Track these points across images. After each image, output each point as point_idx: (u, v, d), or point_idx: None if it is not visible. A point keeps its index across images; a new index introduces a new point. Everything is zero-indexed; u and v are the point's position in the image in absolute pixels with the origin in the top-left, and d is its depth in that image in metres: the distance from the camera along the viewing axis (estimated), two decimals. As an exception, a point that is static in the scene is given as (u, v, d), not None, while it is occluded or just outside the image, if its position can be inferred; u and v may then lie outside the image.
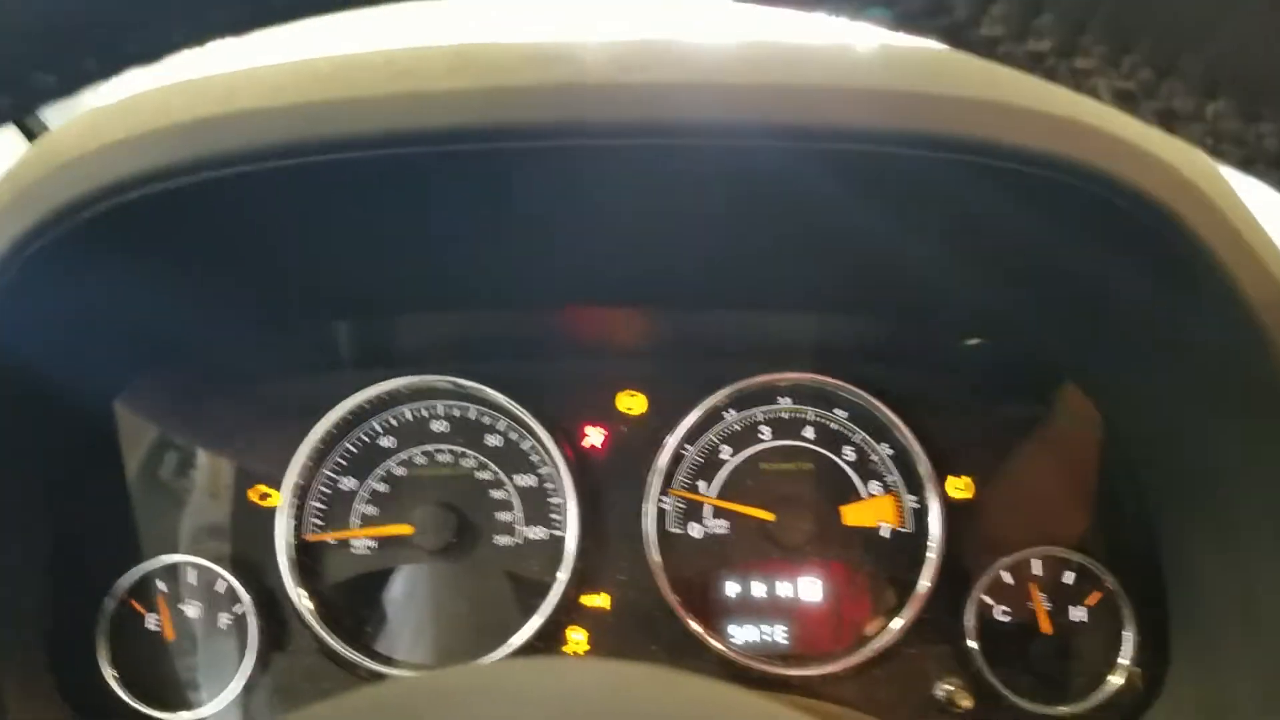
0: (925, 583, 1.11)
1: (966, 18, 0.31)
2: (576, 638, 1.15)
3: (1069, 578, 1.12)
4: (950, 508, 1.14)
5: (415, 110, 0.77)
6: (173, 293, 1.03)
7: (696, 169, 0.86)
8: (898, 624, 1.11)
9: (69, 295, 0.93)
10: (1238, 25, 0.29)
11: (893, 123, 0.77)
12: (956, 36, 0.32)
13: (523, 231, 1.00)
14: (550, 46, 0.80)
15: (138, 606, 1.12)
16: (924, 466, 1.13)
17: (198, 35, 0.34)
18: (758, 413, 1.19)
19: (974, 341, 1.16)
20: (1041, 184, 0.78)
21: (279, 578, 1.12)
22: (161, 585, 1.12)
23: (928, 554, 1.12)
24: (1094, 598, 1.12)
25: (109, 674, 1.10)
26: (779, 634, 1.15)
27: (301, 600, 1.11)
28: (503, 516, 1.17)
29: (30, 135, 1.35)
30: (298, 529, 1.14)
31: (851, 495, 1.16)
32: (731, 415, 1.19)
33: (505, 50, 0.81)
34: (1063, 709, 1.09)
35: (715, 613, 1.15)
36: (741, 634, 1.15)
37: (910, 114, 0.78)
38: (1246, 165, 0.33)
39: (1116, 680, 1.09)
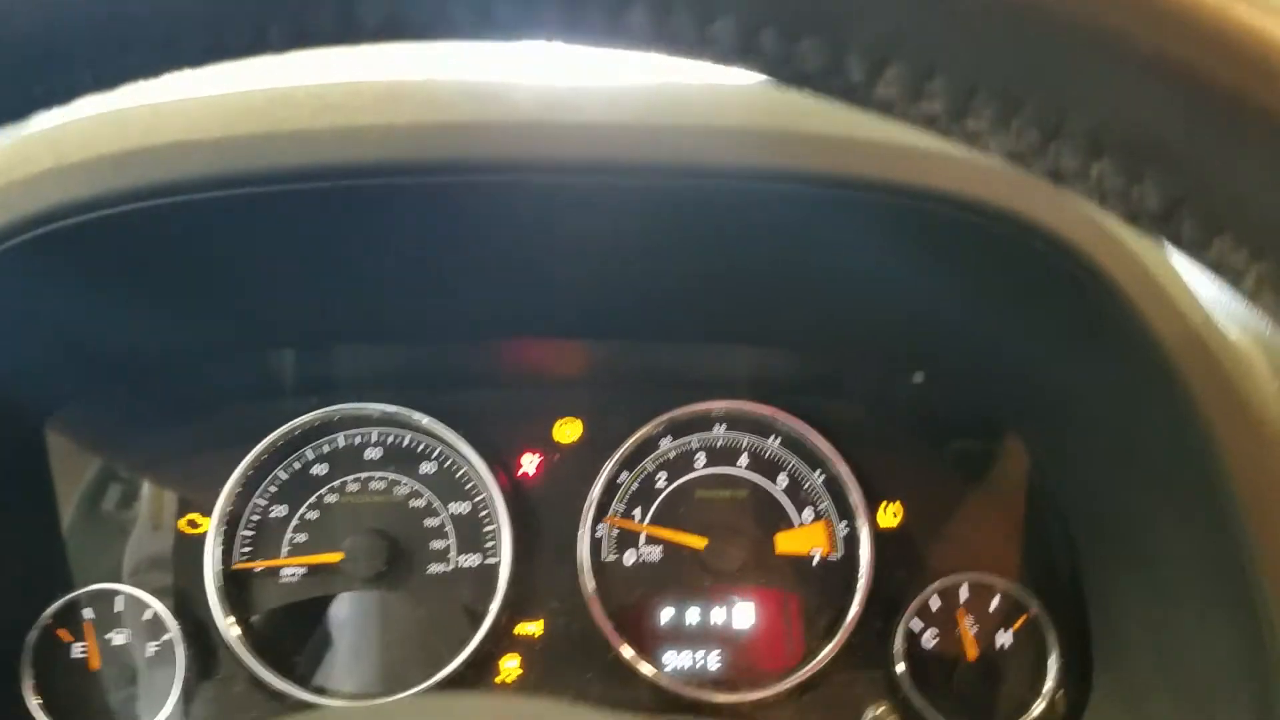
0: (855, 608, 1.13)
1: (861, 80, 0.32)
2: (510, 666, 1.15)
3: (995, 604, 1.14)
4: (880, 535, 1.15)
5: (342, 145, 0.77)
6: (103, 320, 1.02)
7: (622, 206, 0.86)
8: (827, 650, 1.12)
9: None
10: (1119, 91, 0.30)
11: (804, 165, 0.79)
12: (853, 96, 0.33)
13: (456, 265, 1.00)
14: (478, 85, 0.81)
15: (64, 635, 1.10)
16: (855, 494, 1.15)
17: (153, 66, 0.34)
18: (693, 440, 1.20)
19: (919, 379, 1.18)
20: (949, 225, 0.80)
21: (206, 606, 1.11)
22: (89, 613, 1.10)
23: (858, 580, 1.13)
24: (1018, 624, 1.14)
25: (33, 703, 1.08)
26: (712, 660, 1.15)
27: (229, 629, 1.10)
28: (436, 544, 1.16)
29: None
30: (226, 556, 1.13)
31: (784, 522, 1.17)
32: (667, 443, 1.20)
33: (435, 87, 0.82)
34: (988, 733, 1.11)
35: (649, 639, 1.16)
36: (675, 660, 1.15)
37: (819, 155, 0.79)
38: (1132, 220, 0.34)
39: (1041, 705, 1.11)
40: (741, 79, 0.81)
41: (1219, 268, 0.33)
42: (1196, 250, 0.33)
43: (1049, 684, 1.11)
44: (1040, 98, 0.31)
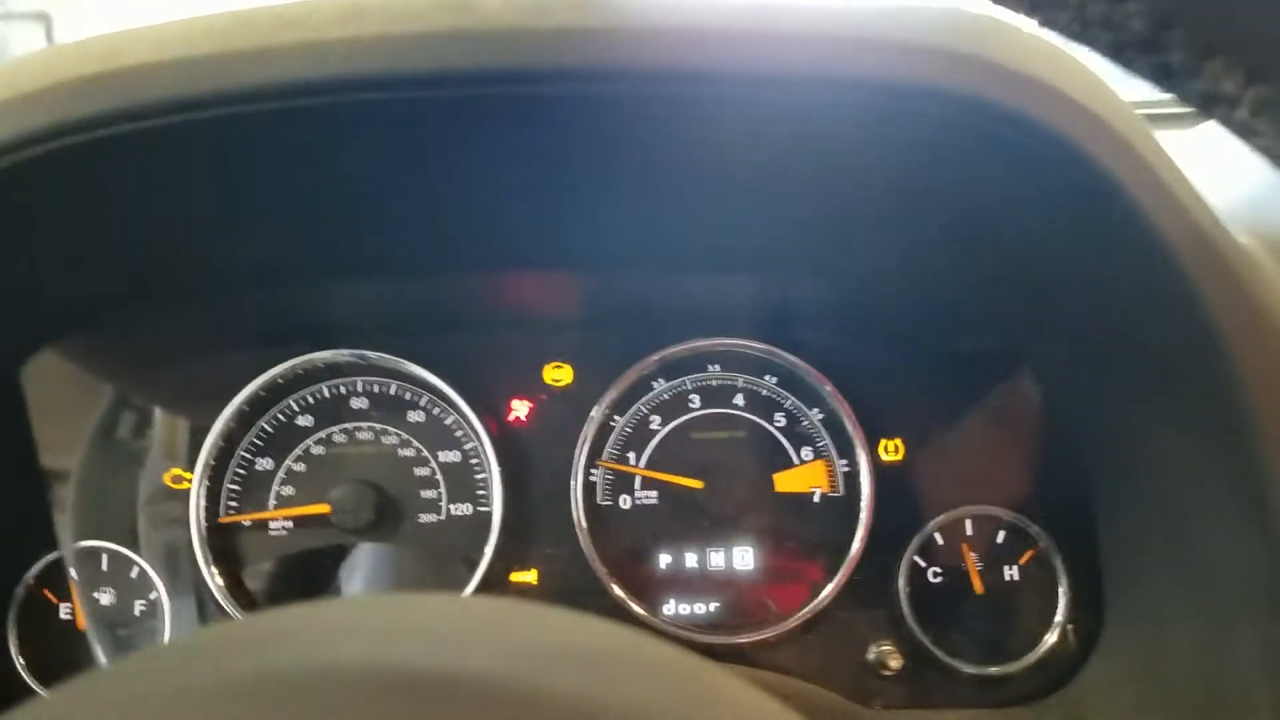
0: (856, 545, 1.10)
1: None
2: (505, 614, 1.12)
3: (1001, 537, 1.12)
4: (881, 470, 1.12)
5: (307, 59, 0.74)
6: (76, 262, 0.99)
7: (616, 122, 0.83)
8: (829, 588, 1.10)
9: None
10: None
11: (825, 69, 0.75)
12: None
13: (437, 193, 0.97)
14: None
15: (49, 595, 1.08)
16: (854, 429, 1.12)
17: None
18: (687, 381, 1.17)
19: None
20: (955, 128, 0.77)
21: (193, 562, 1.08)
22: (74, 573, 1.08)
23: (860, 517, 1.11)
24: (1027, 556, 1.11)
25: (19, 663, 1.07)
26: (712, 603, 1.13)
27: (215, 582, 1.08)
28: (427, 494, 1.14)
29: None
30: (211, 511, 1.10)
31: (783, 462, 1.15)
32: (660, 384, 1.17)
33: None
34: (997, 668, 1.08)
35: (647, 584, 1.13)
36: (674, 604, 1.13)
37: (816, 55, 0.75)
38: (1116, 52, 0.31)
39: (1051, 638, 1.09)
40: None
41: (1210, 99, 0.30)
42: (1185, 80, 0.30)
43: (1059, 616, 1.09)
44: None
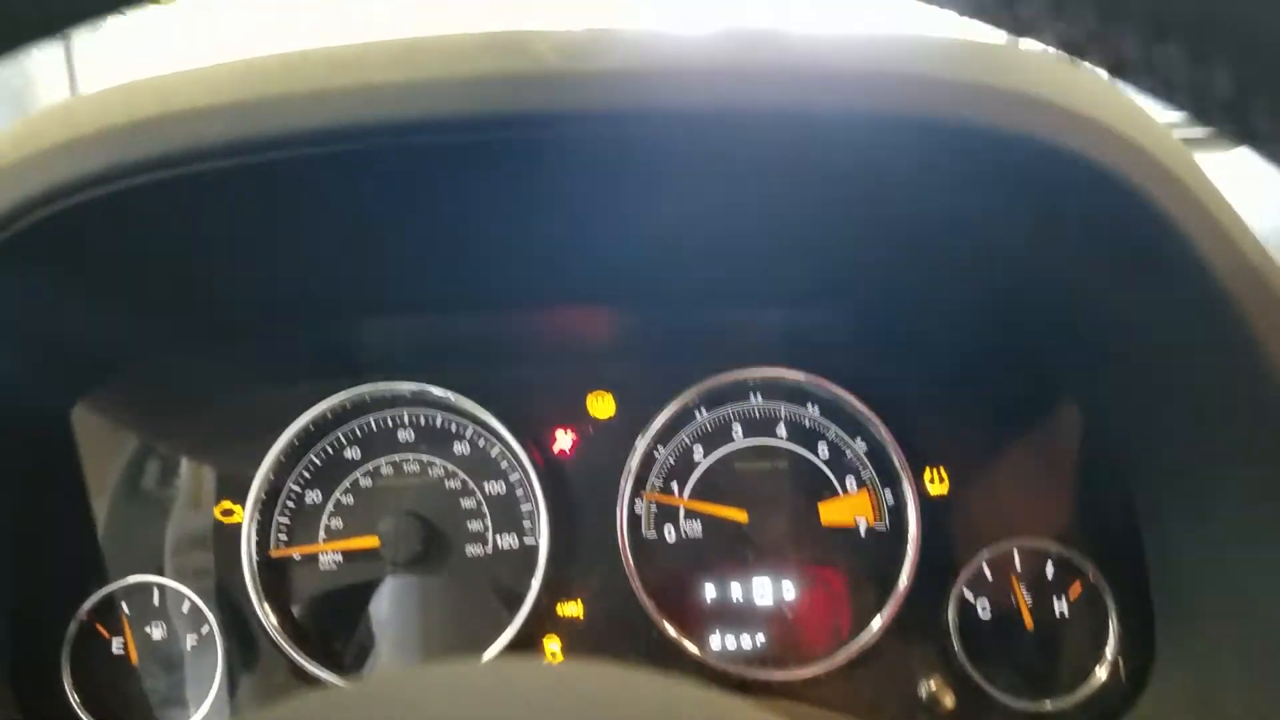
0: (904, 580, 1.09)
1: None
2: (552, 648, 1.12)
3: (1050, 570, 1.11)
4: (926, 502, 1.12)
5: (361, 103, 0.75)
6: (125, 303, 1.00)
7: (659, 162, 0.84)
8: (878, 623, 1.09)
9: (15, 307, 0.90)
10: None
11: (872, 106, 0.75)
12: None
13: (483, 230, 0.98)
14: (501, 36, 0.78)
15: (102, 630, 1.09)
16: (899, 461, 1.12)
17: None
18: (729, 411, 1.17)
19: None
20: (1011, 168, 0.77)
21: (245, 596, 1.09)
22: (126, 607, 1.09)
23: (906, 550, 1.10)
24: (1075, 589, 1.10)
25: (73, 699, 1.07)
26: (758, 636, 1.12)
27: (269, 618, 1.08)
28: (473, 525, 1.14)
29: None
30: (262, 545, 1.11)
31: (828, 492, 1.14)
32: (703, 414, 1.17)
33: (454, 41, 0.79)
34: (1048, 704, 1.07)
35: (693, 617, 1.13)
36: (720, 638, 1.13)
37: (892, 97, 0.76)
38: (1199, 112, 0.31)
39: (1102, 673, 1.07)
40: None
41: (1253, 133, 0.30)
42: (1272, 142, 0.30)
43: (1110, 651, 1.08)
44: None
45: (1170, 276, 0.80)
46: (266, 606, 1.09)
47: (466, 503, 1.15)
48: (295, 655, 1.08)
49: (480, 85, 0.76)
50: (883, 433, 1.12)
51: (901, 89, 0.73)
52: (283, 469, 1.13)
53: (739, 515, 1.13)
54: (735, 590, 1.13)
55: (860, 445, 1.15)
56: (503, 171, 0.85)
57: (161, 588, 1.10)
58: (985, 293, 1.05)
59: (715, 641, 1.12)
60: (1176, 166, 0.76)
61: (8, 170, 0.77)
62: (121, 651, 1.09)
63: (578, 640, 1.12)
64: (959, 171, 0.81)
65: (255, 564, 1.10)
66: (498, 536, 1.14)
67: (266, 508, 1.12)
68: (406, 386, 1.14)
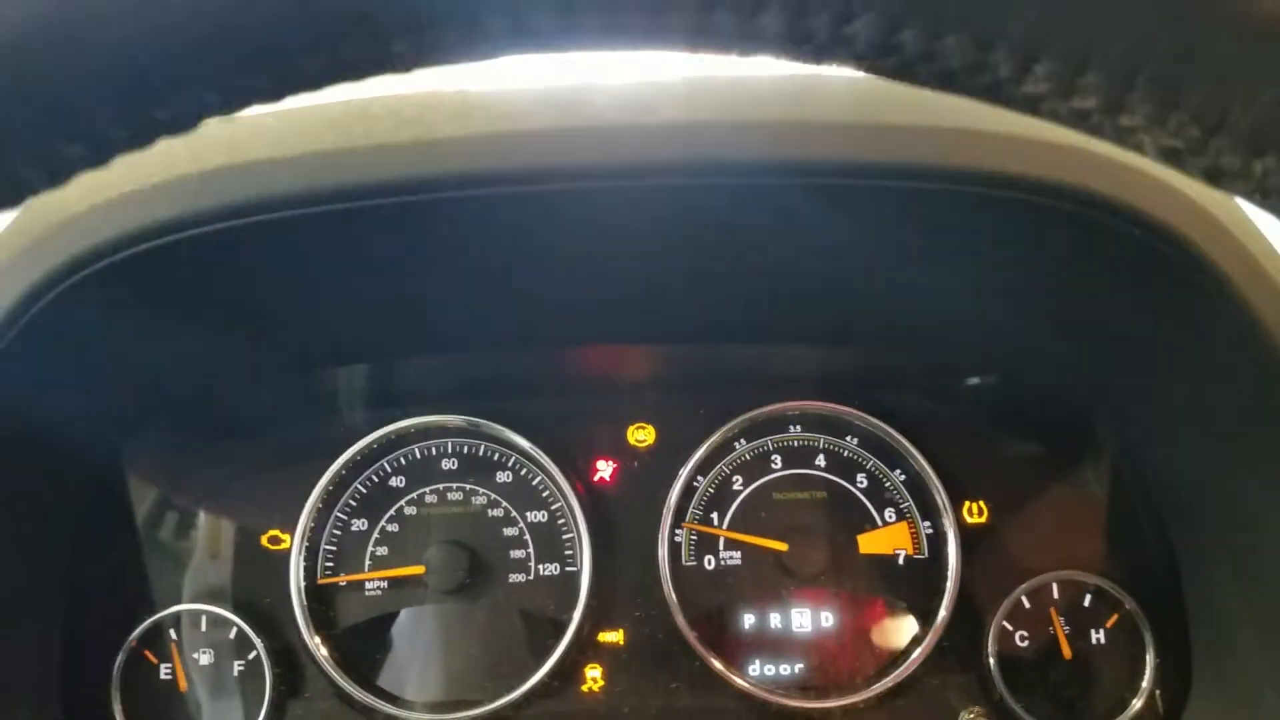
0: (944, 610, 1.10)
1: (1009, 75, 0.30)
2: (593, 675, 1.14)
3: (1087, 601, 1.12)
4: (966, 533, 1.13)
5: (426, 158, 0.76)
6: (180, 342, 1.02)
7: (704, 208, 0.85)
8: (918, 653, 1.10)
9: (75, 348, 0.92)
10: None
11: (912, 158, 0.77)
12: (998, 94, 0.31)
13: (528, 273, 0.99)
14: (557, 91, 0.80)
15: (151, 657, 1.11)
16: (939, 492, 1.13)
17: (229, 103, 0.33)
18: (768, 442, 1.18)
19: (975, 381, 1.16)
20: (1056, 215, 0.78)
21: (293, 623, 1.11)
22: (174, 634, 1.11)
23: (946, 581, 1.11)
24: (1112, 621, 1.11)
25: (123, 725, 1.09)
26: (797, 665, 1.14)
27: (317, 646, 1.10)
28: (516, 554, 1.16)
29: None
30: (310, 572, 1.13)
31: (866, 523, 1.16)
32: (742, 445, 1.18)
33: (510, 96, 0.81)
34: (1087, 734, 1.08)
35: (733, 645, 1.14)
36: (759, 666, 1.14)
37: (928, 149, 0.77)
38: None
39: (1138, 704, 1.08)
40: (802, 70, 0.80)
41: (1216, 173, 0.31)
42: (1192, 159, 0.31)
43: (1146, 682, 1.09)
44: (1202, 91, 0.29)
45: (1217, 325, 0.81)
46: (315, 635, 1.11)
47: (509, 531, 1.16)
48: (341, 681, 1.09)
49: (541, 138, 0.77)
50: (922, 464, 1.14)
51: (957, 143, 0.75)
52: (330, 498, 1.15)
53: (779, 545, 1.14)
54: (774, 619, 1.15)
55: (899, 476, 1.16)
56: (552, 218, 0.87)
57: (209, 615, 1.11)
58: (1028, 336, 1.06)
59: (754, 669, 1.13)
60: (1227, 219, 0.78)
61: (75, 219, 0.79)
62: (169, 677, 1.11)
63: (619, 668, 1.14)
64: (1003, 218, 0.82)
65: (303, 591, 1.11)
66: (540, 565, 1.16)
67: (314, 536, 1.14)
68: (451, 419, 1.16)
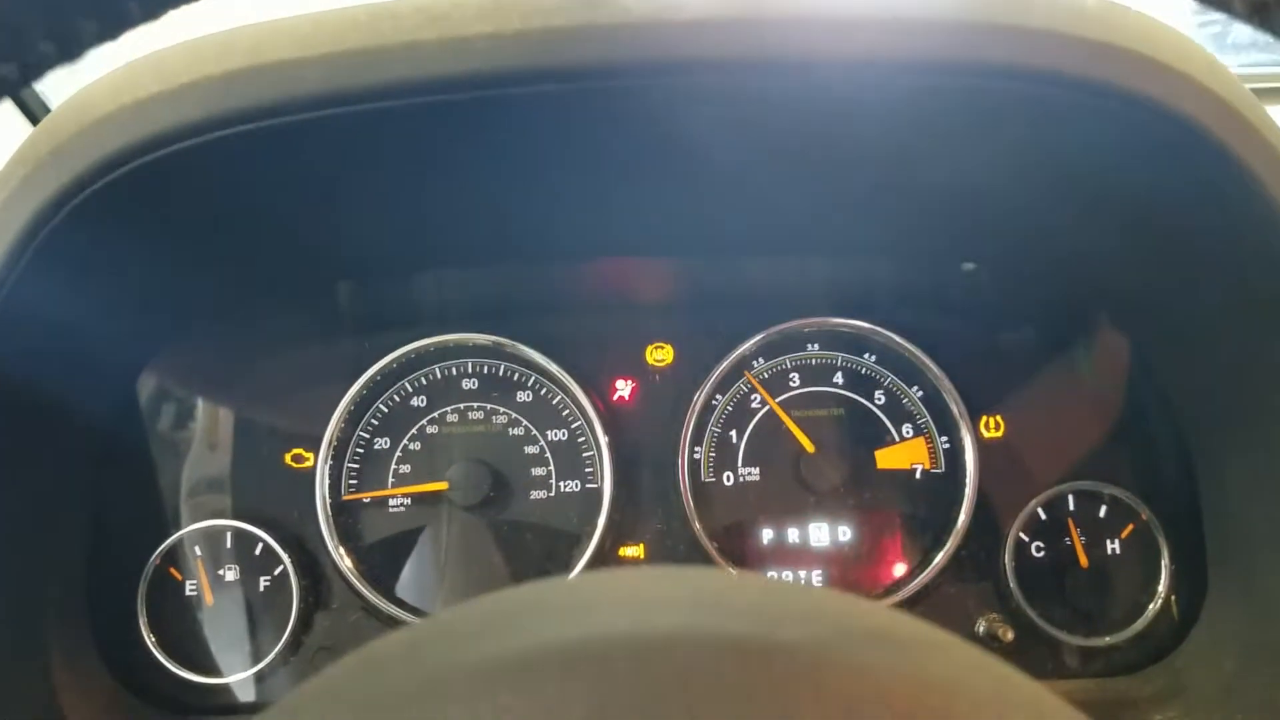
0: (962, 521, 1.12)
1: None
2: (614, 589, 1.15)
3: (1103, 511, 1.13)
4: (983, 446, 1.14)
5: (455, 56, 0.76)
6: (200, 255, 1.02)
7: (735, 111, 0.85)
8: (937, 562, 1.12)
9: (99, 260, 0.92)
10: None
11: (961, 53, 0.77)
12: None
13: (546, 183, 0.99)
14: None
15: (175, 574, 1.12)
16: (957, 406, 1.14)
17: None
18: (786, 360, 1.19)
19: (970, 266, 1.16)
20: (1081, 108, 0.78)
21: (318, 538, 1.12)
22: (198, 550, 1.12)
23: (963, 493, 1.12)
24: (1128, 529, 1.13)
25: (149, 640, 1.10)
26: (816, 577, 1.15)
27: (342, 558, 1.11)
28: (536, 471, 1.17)
29: (33, 118, 1.34)
30: (334, 489, 1.14)
31: (884, 438, 1.17)
32: (760, 363, 1.19)
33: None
34: (1102, 640, 1.10)
35: (751, 559, 1.16)
36: (778, 578, 1.15)
37: (942, 41, 0.77)
38: None
39: (1153, 610, 1.10)
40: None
41: None
42: None
43: (1161, 588, 1.11)
44: None
45: (1238, 220, 0.82)
46: (341, 549, 1.12)
47: (530, 449, 1.17)
48: (368, 594, 1.11)
49: (569, 35, 0.77)
50: (940, 379, 1.15)
51: (991, 38, 0.75)
52: (353, 416, 1.16)
53: (803, 450, 1.16)
54: (792, 533, 1.16)
55: (916, 392, 1.17)
56: (569, 124, 0.87)
57: (234, 531, 1.12)
58: (1040, 238, 1.06)
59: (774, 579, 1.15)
60: (1247, 111, 0.78)
61: (104, 120, 0.79)
62: (195, 593, 1.12)
63: (640, 582, 1.15)
64: (1032, 119, 0.82)
65: (329, 507, 1.13)
66: (561, 482, 1.17)
67: (338, 454, 1.15)
68: (471, 337, 1.16)
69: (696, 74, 0.79)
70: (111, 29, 0.34)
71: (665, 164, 0.95)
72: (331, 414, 1.14)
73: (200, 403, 1.16)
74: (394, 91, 0.77)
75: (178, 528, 1.13)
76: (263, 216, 0.99)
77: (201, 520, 1.13)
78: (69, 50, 0.34)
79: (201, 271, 1.05)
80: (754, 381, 1.18)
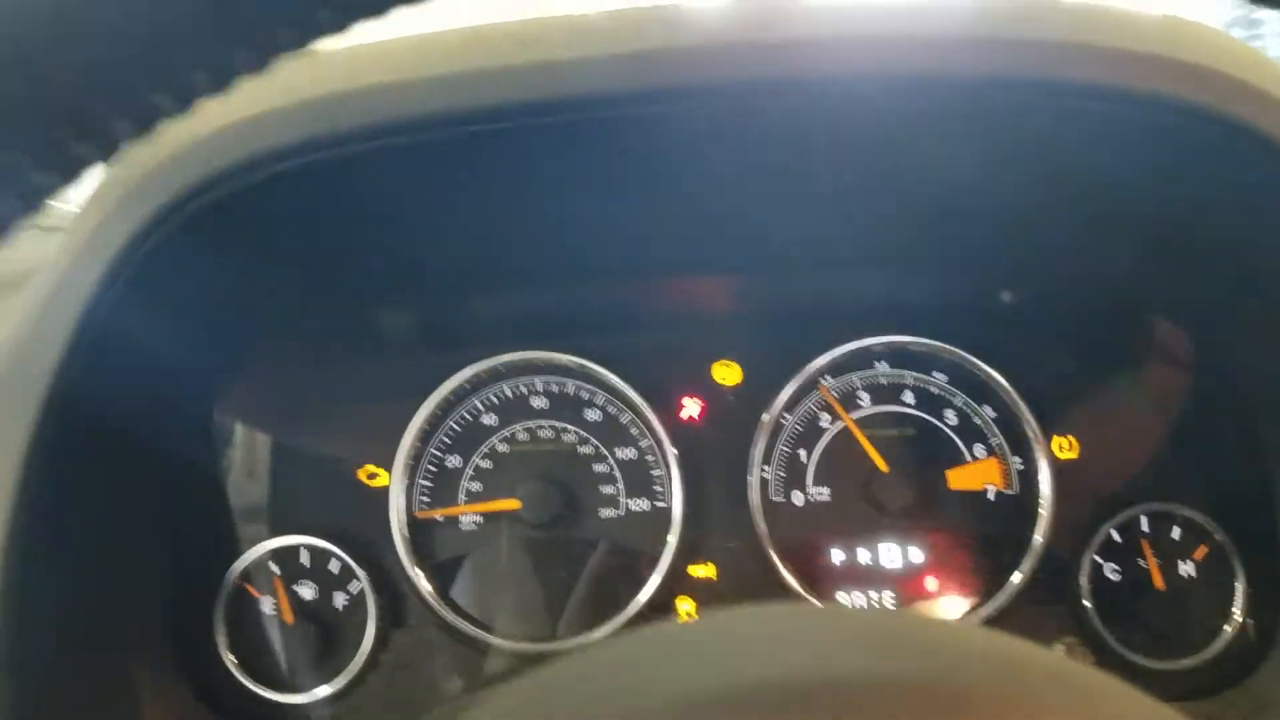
0: (1038, 543, 1.11)
1: None
2: (685, 608, 1.15)
3: (1176, 532, 1.12)
4: (1056, 467, 1.13)
5: (547, 80, 0.77)
6: (281, 276, 1.04)
7: (808, 129, 0.86)
8: (1011, 585, 1.11)
9: (184, 281, 0.93)
10: None
11: (1021, 71, 0.77)
12: None
13: (618, 202, 1.00)
14: (667, 10, 0.80)
15: (252, 591, 1.13)
16: (1031, 427, 1.13)
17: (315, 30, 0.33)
18: (855, 378, 1.19)
19: (1008, 296, 1.16)
20: (1135, 121, 0.78)
21: (393, 555, 1.13)
22: (275, 568, 1.13)
23: (1039, 515, 1.12)
24: (1202, 551, 1.12)
25: (228, 659, 1.11)
26: (887, 598, 1.15)
27: (419, 578, 1.12)
28: (606, 489, 1.17)
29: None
30: (408, 506, 1.15)
31: (955, 459, 1.16)
32: (829, 381, 1.19)
33: (622, 17, 0.82)
34: (1179, 663, 1.09)
35: (822, 579, 1.15)
36: (849, 599, 1.15)
37: (1035, 61, 0.77)
38: None
39: (1229, 633, 1.09)
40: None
41: None
42: None
43: (1237, 611, 1.09)
44: None
45: None
46: (416, 567, 1.13)
47: (599, 467, 1.18)
48: (443, 612, 1.12)
49: (660, 58, 0.78)
50: (1014, 399, 1.14)
51: (1092, 59, 0.75)
52: (425, 434, 1.16)
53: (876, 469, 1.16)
54: (863, 553, 1.16)
55: (988, 411, 1.17)
56: (655, 145, 0.88)
57: (311, 548, 1.13)
58: (1112, 253, 1.06)
59: (845, 600, 1.15)
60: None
61: (215, 135, 0.80)
62: (273, 611, 1.13)
63: (710, 601, 1.15)
64: (1091, 131, 0.83)
65: (404, 525, 1.13)
66: (630, 500, 1.17)
67: (411, 471, 1.16)
68: (540, 355, 1.17)
69: (788, 95, 0.79)
70: (221, 82, 0.33)
71: (744, 181, 0.95)
72: (405, 432, 1.15)
73: (275, 420, 1.17)
74: (486, 116, 0.78)
75: (254, 545, 1.14)
76: (346, 237, 1.01)
77: (277, 537, 1.14)
78: (182, 103, 0.33)
79: (285, 290, 1.07)
80: (830, 399, 1.17)
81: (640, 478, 1.18)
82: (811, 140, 0.89)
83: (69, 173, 0.32)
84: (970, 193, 0.97)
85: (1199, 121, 0.77)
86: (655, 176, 0.95)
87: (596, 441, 1.18)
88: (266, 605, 1.13)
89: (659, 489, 1.17)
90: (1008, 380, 1.15)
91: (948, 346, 1.16)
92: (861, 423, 1.18)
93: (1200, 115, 0.76)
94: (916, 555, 1.15)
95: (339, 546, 1.13)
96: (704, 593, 1.15)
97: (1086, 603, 1.10)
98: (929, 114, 0.83)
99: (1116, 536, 1.12)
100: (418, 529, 1.15)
